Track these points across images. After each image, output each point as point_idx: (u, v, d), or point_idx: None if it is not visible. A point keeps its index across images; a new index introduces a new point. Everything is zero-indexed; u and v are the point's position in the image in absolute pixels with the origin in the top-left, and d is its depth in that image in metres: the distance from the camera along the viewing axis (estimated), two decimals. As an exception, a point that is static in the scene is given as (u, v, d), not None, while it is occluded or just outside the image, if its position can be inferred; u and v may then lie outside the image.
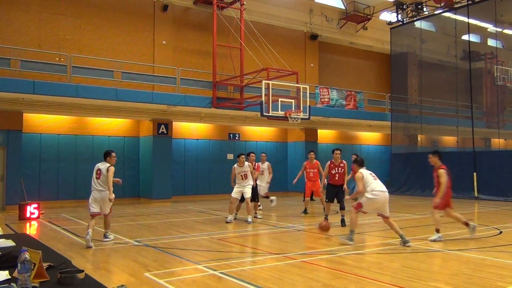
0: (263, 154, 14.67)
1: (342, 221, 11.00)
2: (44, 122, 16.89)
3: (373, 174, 8.66)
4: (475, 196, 19.08)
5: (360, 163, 8.97)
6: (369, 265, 6.83)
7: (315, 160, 13.25)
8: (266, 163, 14.20)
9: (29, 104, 15.50)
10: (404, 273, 6.18)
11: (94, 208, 8.61)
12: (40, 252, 3.43)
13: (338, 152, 11.37)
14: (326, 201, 11.35)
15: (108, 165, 8.70)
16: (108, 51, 17.68)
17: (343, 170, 11.17)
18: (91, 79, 16.07)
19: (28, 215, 12.30)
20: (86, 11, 17.50)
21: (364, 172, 8.62)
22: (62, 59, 16.10)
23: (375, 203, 8.39)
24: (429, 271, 6.34)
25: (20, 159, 15.60)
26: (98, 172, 8.66)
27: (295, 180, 13.53)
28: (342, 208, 11.11)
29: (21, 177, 15.34)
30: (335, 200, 11.16)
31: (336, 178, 11.14)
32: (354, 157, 10.31)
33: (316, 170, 13.08)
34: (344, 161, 11.34)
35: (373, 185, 8.41)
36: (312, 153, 13.48)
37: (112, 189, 8.58)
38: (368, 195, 8.39)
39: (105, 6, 17.91)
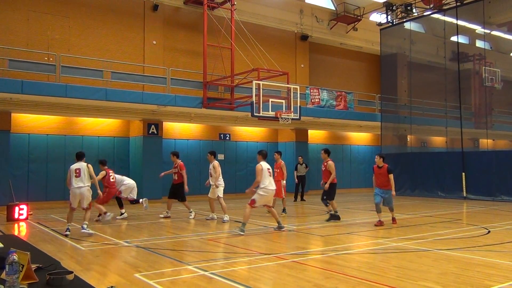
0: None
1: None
2: (33, 122, 16.73)
3: (270, 170, 9.94)
4: (463, 196, 19.25)
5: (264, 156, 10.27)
6: (359, 265, 6.86)
7: (280, 160, 13.56)
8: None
9: (18, 104, 15.35)
10: (394, 273, 6.22)
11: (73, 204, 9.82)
12: (28, 253, 3.40)
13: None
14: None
15: (86, 163, 9.85)
16: (97, 51, 17.57)
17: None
18: (80, 79, 15.97)
19: (16, 216, 12.15)
20: (75, 10, 17.37)
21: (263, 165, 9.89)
22: (51, 59, 15.98)
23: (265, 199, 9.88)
24: (418, 270, 6.38)
25: (8, 160, 15.44)
26: (77, 171, 9.65)
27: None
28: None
29: (9, 177, 15.17)
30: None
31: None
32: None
33: (278, 170, 13.28)
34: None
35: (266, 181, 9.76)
36: (276, 153, 13.94)
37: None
38: (260, 191, 9.76)
39: (94, 6, 17.80)
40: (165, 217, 12.78)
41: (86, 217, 9.75)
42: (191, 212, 12.81)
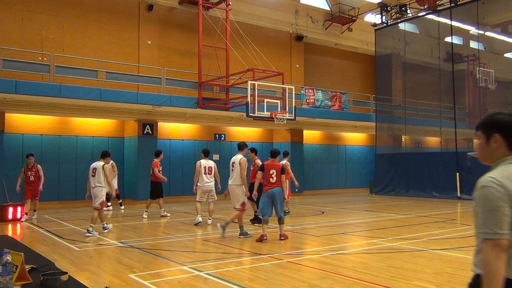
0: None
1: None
2: (27, 122, 16.64)
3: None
4: (457, 196, 19.34)
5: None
6: (354, 265, 6.88)
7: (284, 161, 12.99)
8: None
9: (11, 104, 15.26)
10: (389, 273, 6.24)
11: (101, 199, 9.91)
12: (22, 254, 3.38)
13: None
14: None
15: (102, 163, 9.90)
16: (92, 51, 17.49)
17: None
18: (75, 79, 15.89)
19: (10, 216, 12.10)
20: (69, 10, 17.30)
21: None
22: (45, 59, 15.89)
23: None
24: (413, 270, 6.41)
25: (1, 160, 15.34)
26: (94, 170, 9.87)
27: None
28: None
29: (2, 178, 15.08)
30: None
31: None
32: None
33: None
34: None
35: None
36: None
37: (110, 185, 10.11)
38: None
39: (89, 5, 17.73)
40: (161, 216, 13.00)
41: (92, 219, 9.73)
42: (146, 212, 13.07)
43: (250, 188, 11.77)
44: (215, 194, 11.58)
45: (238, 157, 9.55)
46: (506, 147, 2.22)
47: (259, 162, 12.08)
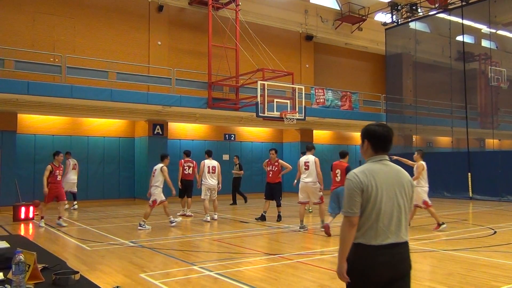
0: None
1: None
2: (39, 122, 16.81)
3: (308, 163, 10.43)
4: (469, 196, 19.16)
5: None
6: (364, 265, 6.84)
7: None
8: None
9: (24, 105, 15.42)
10: (399, 273, 6.20)
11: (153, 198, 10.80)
12: (34, 253, 3.41)
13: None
14: None
15: (162, 165, 10.87)
16: (102, 52, 17.61)
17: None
18: (86, 79, 16.01)
19: (22, 216, 12.23)
20: (80, 11, 17.43)
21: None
22: (56, 60, 16.04)
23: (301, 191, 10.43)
24: (423, 271, 6.36)
25: (14, 160, 15.51)
26: (154, 171, 10.97)
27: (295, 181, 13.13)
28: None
29: (15, 178, 15.24)
30: None
31: None
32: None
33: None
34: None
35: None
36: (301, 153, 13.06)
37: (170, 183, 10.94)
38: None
39: (99, 6, 17.86)
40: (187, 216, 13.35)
41: (145, 214, 10.71)
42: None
43: (268, 186, 11.85)
44: (216, 192, 12.35)
45: (311, 158, 10.41)
46: (372, 150, 3.01)
47: (282, 162, 12.31)
